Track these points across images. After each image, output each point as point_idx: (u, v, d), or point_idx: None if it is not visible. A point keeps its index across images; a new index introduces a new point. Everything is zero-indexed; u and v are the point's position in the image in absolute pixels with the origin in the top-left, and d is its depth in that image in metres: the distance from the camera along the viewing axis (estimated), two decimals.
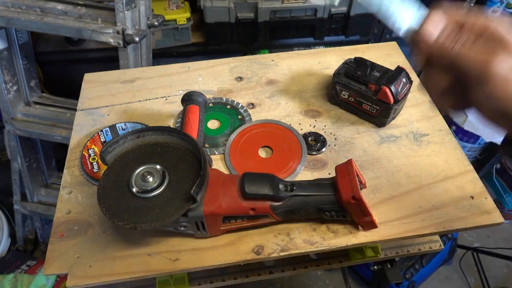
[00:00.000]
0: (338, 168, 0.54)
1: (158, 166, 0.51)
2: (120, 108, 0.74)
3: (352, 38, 1.42)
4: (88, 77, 0.80)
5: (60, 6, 0.98)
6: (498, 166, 1.64)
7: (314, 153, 0.66)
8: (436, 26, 0.37)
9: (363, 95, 0.67)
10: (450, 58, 0.37)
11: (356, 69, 0.67)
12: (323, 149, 0.66)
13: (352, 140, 0.68)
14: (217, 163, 0.65)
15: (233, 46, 1.40)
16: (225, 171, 0.64)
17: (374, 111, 0.68)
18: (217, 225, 0.53)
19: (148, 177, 0.49)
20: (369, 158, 0.65)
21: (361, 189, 0.51)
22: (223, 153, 0.66)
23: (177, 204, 0.48)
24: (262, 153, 0.67)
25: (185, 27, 1.33)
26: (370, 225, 0.54)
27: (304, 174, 0.63)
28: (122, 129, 0.70)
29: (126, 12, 0.93)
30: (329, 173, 0.63)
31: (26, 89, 1.24)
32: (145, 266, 0.53)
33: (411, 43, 0.39)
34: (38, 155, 1.37)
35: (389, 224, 0.56)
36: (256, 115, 0.72)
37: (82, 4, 0.99)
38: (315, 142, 0.67)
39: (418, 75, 0.76)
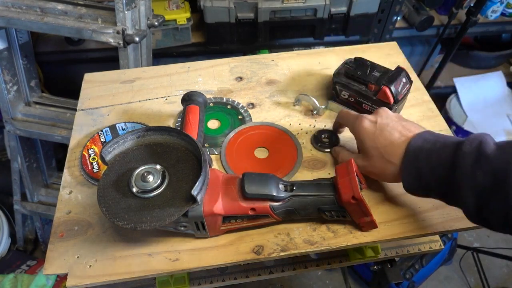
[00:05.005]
0: (338, 168, 0.54)
1: (158, 166, 0.51)
2: (120, 108, 0.74)
3: (352, 38, 1.42)
4: (88, 77, 0.80)
5: (60, 6, 0.98)
6: None
7: (325, 150, 0.66)
8: None
9: (363, 95, 0.67)
10: None
11: (356, 69, 0.67)
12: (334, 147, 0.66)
13: (352, 140, 0.68)
14: (217, 163, 0.65)
15: (233, 46, 1.40)
16: (223, 171, 0.64)
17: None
18: (217, 225, 0.53)
19: (148, 177, 0.49)
20: None
21: (361, 189, 0.51)
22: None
23: (177, 204, 0.48)
24: (258, 155, 0.66)
25: (185, 27, 1.33)
26: (370, 225, 0.54)
27: (304, 174, 0.63)
28: (122, 129, 0.70)
29: (126, 12, 0.93)
30: (329, 173, 0.63)
31: (26, 89, 1.24)
32: (145, 266, 0.53)
33: None
34: (38, 155, 1.37)
35: (389, 224, 0.56)
36: (256, 115, 0.72)
37: (82, 4, 0.99)
38: (328, 140, 0.67)
39: (418, 75, 0.76)
